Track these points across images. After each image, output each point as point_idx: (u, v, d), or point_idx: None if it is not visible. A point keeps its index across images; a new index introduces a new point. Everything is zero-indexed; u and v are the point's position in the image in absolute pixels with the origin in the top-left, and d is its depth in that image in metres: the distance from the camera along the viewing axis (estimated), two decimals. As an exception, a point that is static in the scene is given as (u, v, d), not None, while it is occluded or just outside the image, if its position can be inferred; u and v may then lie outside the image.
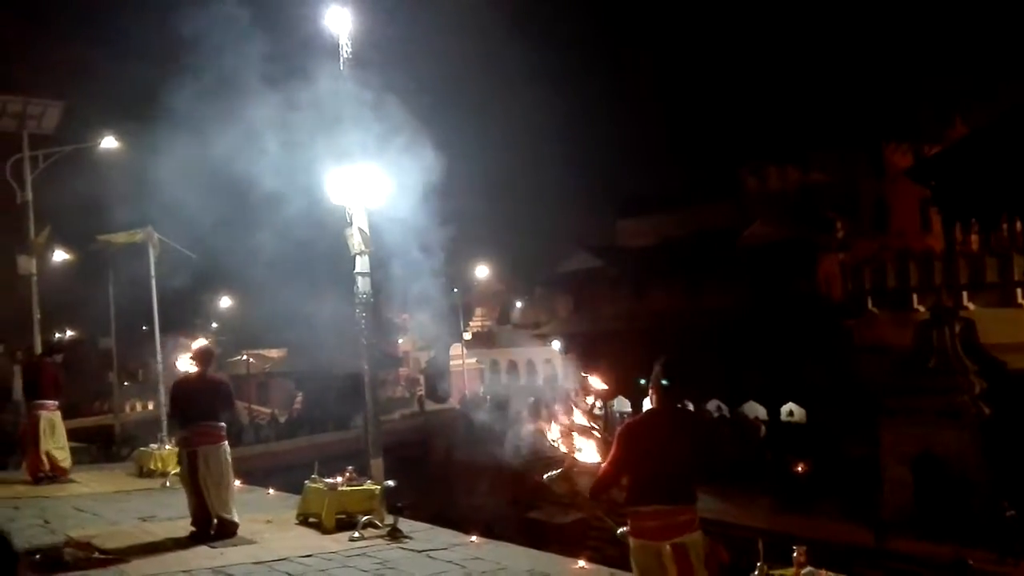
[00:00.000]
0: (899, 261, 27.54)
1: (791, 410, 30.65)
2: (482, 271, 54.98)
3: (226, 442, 8.30)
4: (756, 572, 5.05)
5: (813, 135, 35.49)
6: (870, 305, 27.73)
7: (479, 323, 56.83)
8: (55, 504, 10.21)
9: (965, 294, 24.85)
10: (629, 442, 4.66)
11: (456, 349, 50.36)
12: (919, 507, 21.41)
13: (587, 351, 36.15)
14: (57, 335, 34.85)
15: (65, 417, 12.30)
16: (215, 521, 8.12)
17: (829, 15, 46.79)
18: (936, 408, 21.47)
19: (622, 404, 33.73)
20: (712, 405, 32.75)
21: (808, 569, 4.92)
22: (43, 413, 11.47)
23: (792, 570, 5.01)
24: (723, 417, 32.30)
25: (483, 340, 52.18)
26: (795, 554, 5.07)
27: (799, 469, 25.89)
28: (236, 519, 8.19)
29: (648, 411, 4.79)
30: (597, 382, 28.88)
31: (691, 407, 30.40)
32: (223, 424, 8.31)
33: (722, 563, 4.59)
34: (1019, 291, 24.07)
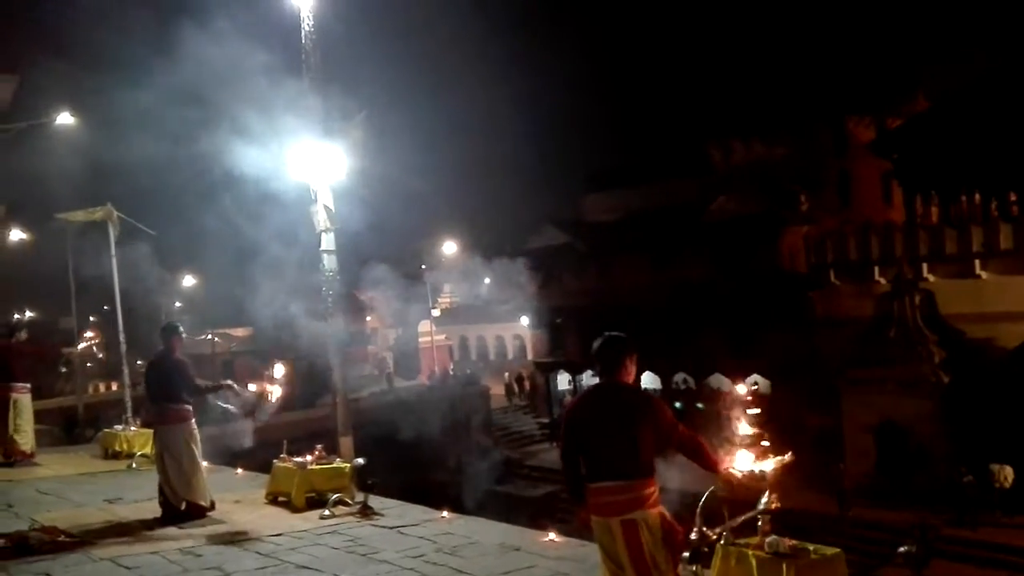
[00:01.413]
0: (861, 234, 27.82)
1: (755, 381, 31.09)
2: (450, 248, 54.78)
3: (190, 423, 8.14)
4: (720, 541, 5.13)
5: (778, 109, 35.59)
6: (833, 277, 28.06)
7: (447, 300, 56.72)
8: (19, 488, 10.07)
9: (925, 266, 25.24)
10: (571, 418, 4.67)
11: (425, 326, 50.25)
12: (881, 475, 21.91)
13: (555, 326, 36.33)
14: (16, 316, 34.21)
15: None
16: (182, 504, 7.98)
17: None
18: (897, 378, 21.93)
19: (591, 380, 34.06)
20: (679, 377, 33.18)
21: (772, 537, 4.99)
22: (13, 395, 11.32)
23: (756, 538, 5.08)
24: (689, 389, 32.71)
25: (452, 316, 52.16)
26: (759, 523, 5.16)
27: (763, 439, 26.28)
28: (204, 503, 8.09)
29: (589, 387, 4.81)
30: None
31: (659, 380, 30.90)
32: (185, 406, 8.09)
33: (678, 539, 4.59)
34: (977, 262, 24.46)
